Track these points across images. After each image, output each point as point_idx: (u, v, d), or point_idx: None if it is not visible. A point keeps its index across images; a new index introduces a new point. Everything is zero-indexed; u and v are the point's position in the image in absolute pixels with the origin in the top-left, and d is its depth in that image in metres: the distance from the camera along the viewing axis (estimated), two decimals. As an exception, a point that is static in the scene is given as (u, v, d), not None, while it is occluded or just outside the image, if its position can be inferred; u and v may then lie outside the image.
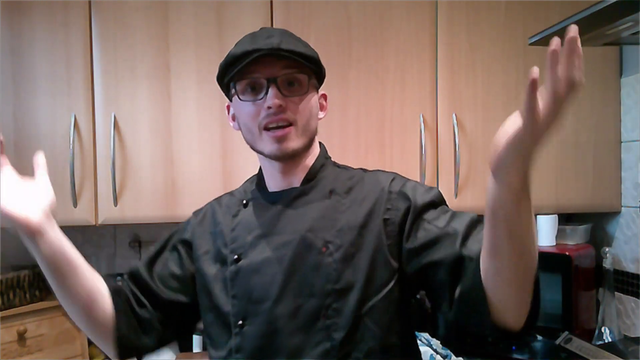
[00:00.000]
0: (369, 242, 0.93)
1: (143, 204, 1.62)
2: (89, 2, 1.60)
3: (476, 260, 0.79)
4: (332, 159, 1.07)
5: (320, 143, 1.07)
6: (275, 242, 0.96)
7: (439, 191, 0.97)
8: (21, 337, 1.58)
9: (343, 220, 0.95)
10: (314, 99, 1.00)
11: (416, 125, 1.68)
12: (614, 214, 1.78)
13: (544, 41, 1.20)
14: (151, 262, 1.06)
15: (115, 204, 1.61)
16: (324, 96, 1.07)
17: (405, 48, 1.69)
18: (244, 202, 1.05)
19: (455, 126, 1.67)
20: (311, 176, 1.01)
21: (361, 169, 1.06)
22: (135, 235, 1.95)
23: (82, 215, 1.60)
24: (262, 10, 1.65)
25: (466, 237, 0.85)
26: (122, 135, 1.62)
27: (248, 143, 1.00)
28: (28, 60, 1.59)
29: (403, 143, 1.69)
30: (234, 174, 1.65)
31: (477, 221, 0.88)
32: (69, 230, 1.88)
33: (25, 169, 1.58)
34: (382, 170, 1.05)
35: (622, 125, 1.74)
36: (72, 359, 1.71)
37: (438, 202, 0.95)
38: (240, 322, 0.94)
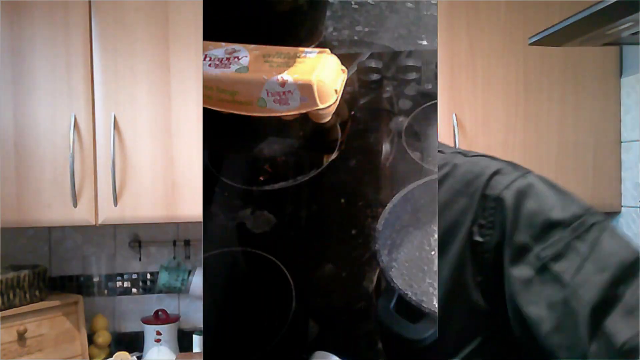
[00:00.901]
0: (445, 272, 0.63)
1: (143, 204, 1.62)
2: (89, 2, 1.60)
3: None
4: None
5: None
6: None
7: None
8: (21, 337, 1.58)
9: None
10: None
11: (416, 125, 1.68)
12: (614, 214, 1.77)
13: (544, 41, 1.20)
14: None
15: (115, 204, 1.60)
16: None
17: (405, 48, 1.68)
18: None
19: (455, 126, 1.67)
20: None
21: (460, 152, 0.70)
22: (135, 235, 1.95)
23: (82, 215, 1.60)
24: (262, 10, 1.65)
25: None
26: (122, 135, 1.62)
27: None
28: (28, 60, 1.59)
29: (403, 143, 1.69)
30: (234, 174, 1.65)
31: None
32: (69, 230, 1.92)
33: (25, 168, 1.59)
34: (486, 156, 0.67)
35: (622, 125, 1.74)
36: (72, 359, 1.71)
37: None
38: None
